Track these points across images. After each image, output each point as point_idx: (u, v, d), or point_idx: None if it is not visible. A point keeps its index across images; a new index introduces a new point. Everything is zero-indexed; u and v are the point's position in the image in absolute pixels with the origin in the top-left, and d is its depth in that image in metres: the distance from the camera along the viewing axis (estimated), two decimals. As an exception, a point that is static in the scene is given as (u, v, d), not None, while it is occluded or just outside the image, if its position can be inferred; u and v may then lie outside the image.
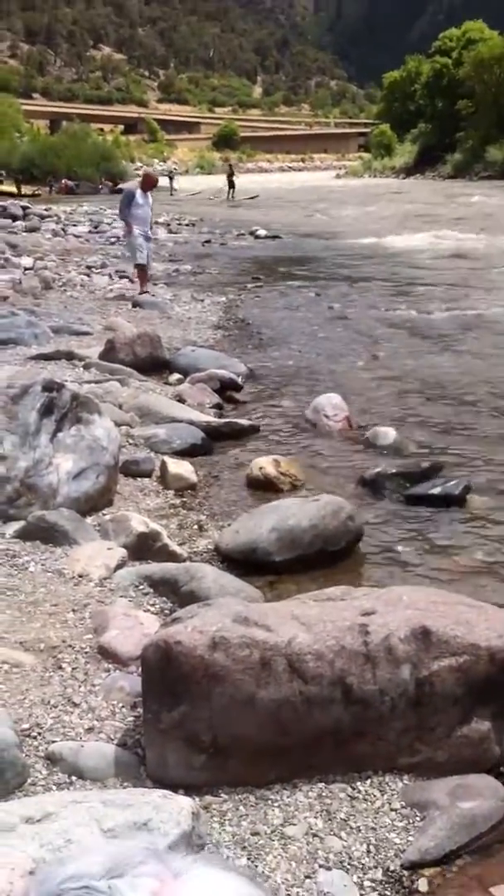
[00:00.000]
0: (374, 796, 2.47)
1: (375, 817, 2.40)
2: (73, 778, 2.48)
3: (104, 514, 4.47)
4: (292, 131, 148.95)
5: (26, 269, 14.62)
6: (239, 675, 2.45)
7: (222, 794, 2.47)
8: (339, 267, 16.71)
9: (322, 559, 4.14)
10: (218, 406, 6.97)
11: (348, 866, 2.24)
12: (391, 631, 2.56)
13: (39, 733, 2.63)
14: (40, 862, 1.87)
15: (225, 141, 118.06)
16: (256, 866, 2.20)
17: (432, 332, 10.23)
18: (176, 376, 7.72)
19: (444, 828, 2.34)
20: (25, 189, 44.65)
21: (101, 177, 54.30)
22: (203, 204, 40.64)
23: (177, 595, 3.57)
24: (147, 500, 4.87)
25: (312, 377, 8.12)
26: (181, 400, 6.78)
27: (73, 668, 2.98)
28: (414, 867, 2.26)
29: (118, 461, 4.81)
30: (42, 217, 27.73)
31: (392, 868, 2.25)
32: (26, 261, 15.50)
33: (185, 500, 4.97)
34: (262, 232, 23.67)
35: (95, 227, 25.13)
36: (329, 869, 2.21)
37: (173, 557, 4.03)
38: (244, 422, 6.41)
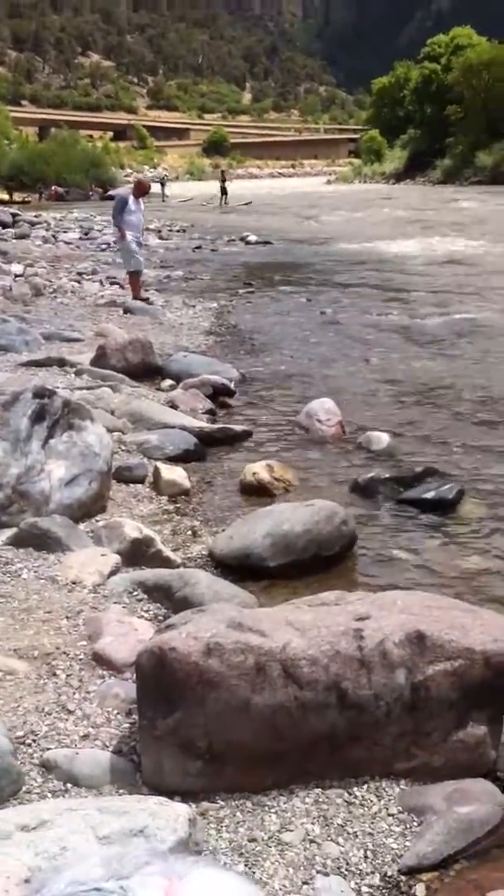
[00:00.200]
0: (371, 801, 2.46)
1: (372, 822, 2.39)
2: (69, 785, 2.47)
3: (97, 521, 4.45)
4: (282, 137, 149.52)
5: (16, 275, 14.61)
6: (234, 681, 2.44)
7: (219, 801, 2.46)
8: (331, 272, 16.74)
9: (316, 564, 4.13)
10: (210, 412, 6.96)
11: (346, 872, 2.23)
12: (386, 635, 2.56)
13: (34, 741, 2.62)
14: (36, 870, 1.86)
15: (215, 147, 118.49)
16: (254, 873, 2.19)
17: (425, 336, 10.25)
18: (168, 382, 7.71)
19: (441, 832, 2.33)
20: (16, 196, 44.61)
21: (91, 183, 54.30)
22: (194, 210, 40.68)
23: (171, 601, 3.56)
24: (140, 507, 4.86)
25: (305, 382, 8.12)
26: (174, 406, 6.77)
27: (68, 675, 2.96)
28: (411, 872, 2.25)
29: (111, 467, 4.80)
30: (32, 224, 27.67)
31: (389, 873, 2.24)
32: (16, 268, 15.48)
33: (178, 505, 4.96)
34: (253, 238, 23.72)
35: (86, 234, 25.12)
36: (326, 875, 2.20)
37: (167, 563, 4.02)
38: (237, 427, 6.40)
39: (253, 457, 5.77)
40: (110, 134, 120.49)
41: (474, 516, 4.90)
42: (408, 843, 2.33)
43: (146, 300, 12.38)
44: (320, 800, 2.46)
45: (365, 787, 2.51)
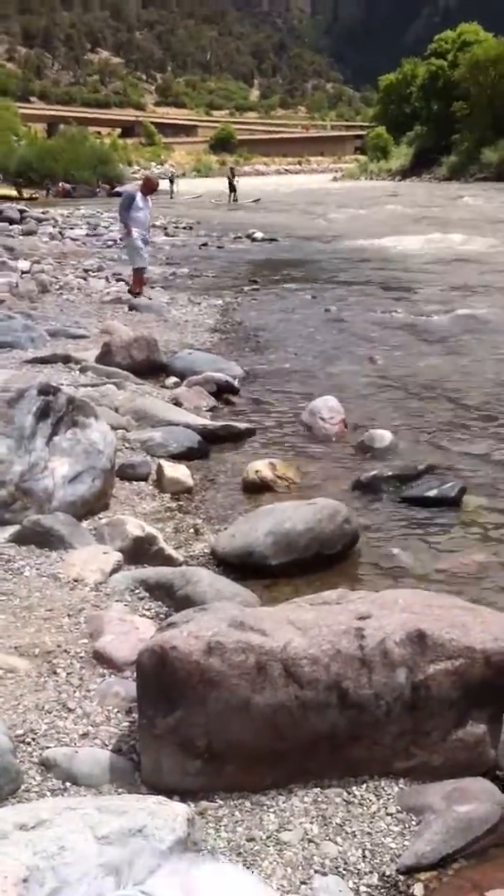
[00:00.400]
0: (370, 801, 2.46)
1: (371, 822, 2.39)
2: (68, 784, 2.47)
3: (100, 518, 4.45)
4: (289, 134, 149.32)
5: (23, 272, 14.61)
6: (234, 680, 2.44)
7: (218, 800, 2.46)
8: (336, 270, 16.71)
9: (318, 562, 4.13)
10: (214, 409, 6.96)
11: (344, 871, 2.23)
12: (387, 634, 2.55)
13: (33, 739, 2.62)
14: (34, 869, 1.86)
15: (222, 144, 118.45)
16: (252, 872, 2.19)
17: (430, 334, 10.22)
18: (172, 379, 7.71)
19: (439, 832, 2.33)
20: (24, 193, 44.67)
21: (98, 180, 54.35)
22: (201, 207, 40.65)
23: (172, 599, 3.56)
24: (143, 504, 4.86)
25: (309, 380, 8.11)
26: (178, 403, 6.77)
27: (68, 674, 2.96)
28: (410, 872, 2.25)
29: (114, 465, 4.81)
30: (39, 220, 27.74)
31: (388, 873, 2.24)
32: (23, 264, 15.49)
33: (181, 503, 4.96)
34: (259, 235, 23.67)
35: (93, 230, 25.13)
36: (325, 874, 2.20)
37: (169, 561, 4.02)
38: (241, 425, 6.40)
39: (256, 454, 5.77)
40: (118, 130, 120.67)
41: (477, 514, 4.89)
42: (406, 843, 2.32)
43: (139, 294, 12.32)
44: (319, 799, 2.46)
45: (364, 786, 2.51)
